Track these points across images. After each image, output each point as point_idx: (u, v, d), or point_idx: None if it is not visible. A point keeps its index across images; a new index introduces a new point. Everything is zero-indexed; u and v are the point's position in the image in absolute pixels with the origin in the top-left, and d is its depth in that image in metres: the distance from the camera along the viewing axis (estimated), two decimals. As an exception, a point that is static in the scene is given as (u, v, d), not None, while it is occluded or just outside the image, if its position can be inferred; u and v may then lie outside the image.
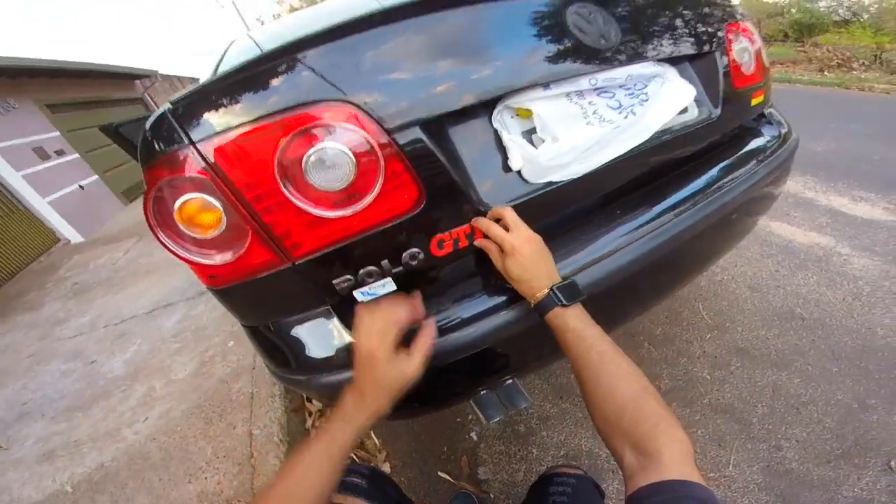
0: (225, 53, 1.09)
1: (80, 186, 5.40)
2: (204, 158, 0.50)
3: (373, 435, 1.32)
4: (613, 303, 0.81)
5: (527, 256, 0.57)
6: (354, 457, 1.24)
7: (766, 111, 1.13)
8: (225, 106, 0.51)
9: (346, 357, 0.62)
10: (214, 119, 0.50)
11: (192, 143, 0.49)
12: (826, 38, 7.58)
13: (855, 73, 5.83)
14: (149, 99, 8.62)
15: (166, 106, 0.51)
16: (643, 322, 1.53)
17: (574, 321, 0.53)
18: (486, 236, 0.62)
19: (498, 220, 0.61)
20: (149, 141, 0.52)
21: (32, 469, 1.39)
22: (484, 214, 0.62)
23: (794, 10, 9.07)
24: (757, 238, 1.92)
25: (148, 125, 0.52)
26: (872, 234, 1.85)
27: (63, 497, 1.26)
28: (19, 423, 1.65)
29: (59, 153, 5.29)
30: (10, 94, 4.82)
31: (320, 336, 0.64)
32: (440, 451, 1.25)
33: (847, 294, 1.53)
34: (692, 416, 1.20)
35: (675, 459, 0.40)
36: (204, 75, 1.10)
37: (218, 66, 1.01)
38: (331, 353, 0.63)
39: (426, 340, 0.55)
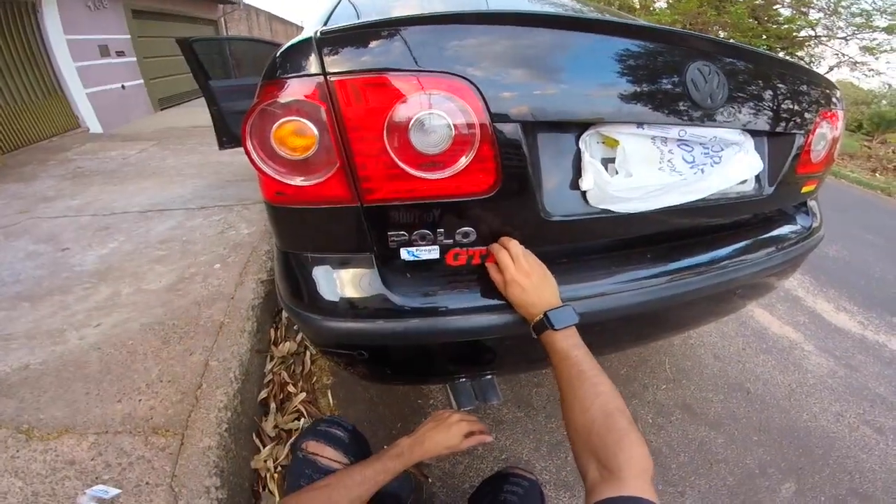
0: (337, 5, 1.03)
1: (122, 86, 5.44)
2: (329, 90, 0.53)
3: (329, 395, 1.33)
4: (609, 334, 0.88)
5: (524, 287, 0.63)
6: (304, 410, 1.24)
7: (809, 202, 1.15)
8: (365, 51, 0.54)
9: (364, 308, 0.67)
10: (352, 58, 0.54)
11: (325, 73, 0.52)
12: None
13: None
14: (223, 24, 8.65)
15: (315, 33, 0.53)
16: (612, 360, 1.64)
17: (561, 343, 0.59)
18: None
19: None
20: (282, 59, 0.54)
21: None
22: (543, 220, 0.67)
23: (884, 102, 8.68)
24: (737, 318, 2.05)
25: (290, 44, 0.55)
26: (839, 341, 2.00)
27: (-40, 395, 1.06)
28: None
29: (120, 54, 5.34)
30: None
31: (348, 280, 0.67)
32: (392, 427, 1.28)
33: (793, 382, 1.69)
34: (623, 450, 1.34)
35: (633, 475, 0.42)
36: (291, 19, 0.99)
37: (329, 17, 0.96)
38: (353, 299, 0.67)
39: (480, 440, 0.73)
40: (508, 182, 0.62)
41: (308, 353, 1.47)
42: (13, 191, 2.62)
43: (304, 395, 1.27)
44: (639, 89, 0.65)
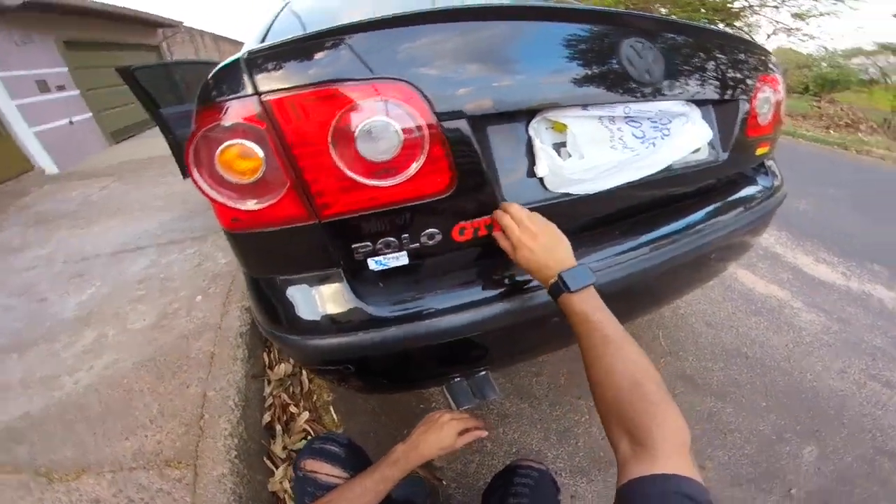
0: (278, 15, 1.06)
1: (71, 122, 5.29)
2: (265, 109, 0.52)
3: (332, 410, 1.33)
4: None
5: (532, 249, 0.60)
6: (309, 429, 1.25)
7: (767, 162, 1.19)
8: (295, 66, 0.54)
9: (341, 323, 0.66)
10: (283, 76, 0.53)
11: (258, 93, 0.52)
12: (844, 97, 7.71)
13: (860, 134, 5.96)
14: (165, 48, 8.48)
15: (243, 54, 0.53)
16: None
17: (580, 305, 0.55)
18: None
19: None
20: (215, 83, 0.54)
21: None
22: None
23: (824, 65, 9.19)
24: (722, 282, 2.07)
25: (218, 67, 0.54)
26: (825, 293, 2.03)
27: (-28, 443, 1.10)
28: None
29: (61, 88, 5.17)
30: (36, 28, 4.79)
31: (322, 298, 0.67)
32: (398, 434, 1.27)
33: (790, 341, 1.70)
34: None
35: (666, 450, 0.39)
36: (235, 38, 1.04)
37: (269, 26, 0.98)
38: (329, 316, 0.66)
39: (475, 437, 0.73)
40: (464, 179, 0.63)
41: (304, 373, 1.46)
42: None
43: (307, 414, 1.28)
44: (578, 72, 0.67)
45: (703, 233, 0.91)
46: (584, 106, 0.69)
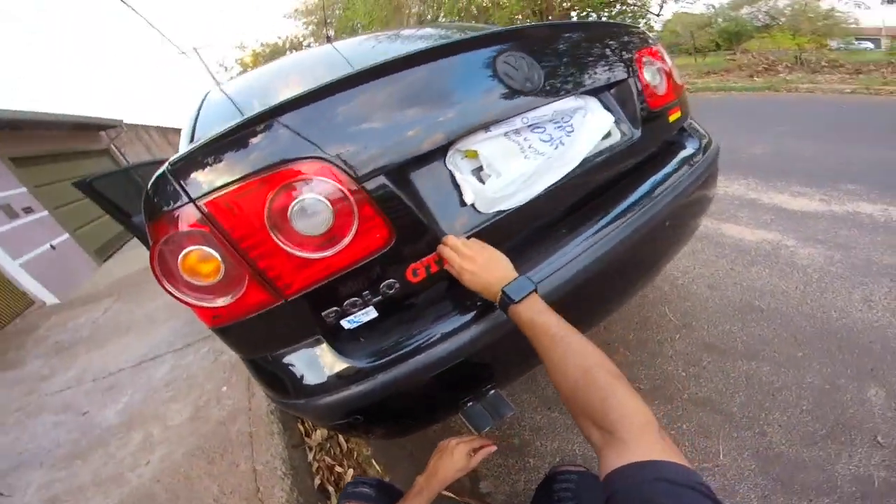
0: (201, 107, 1.20)
1: (52, 246, 5.15)
2: (202, 213, 0.58)
3: (374, 463, 1.35)
4: (576, 309, 0.89)
5: (473, 272, 0.66)
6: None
7: (686, 124, 1.25)
8: (218, 165, 0.60)
9: (336, 381, 0.69)
10: (209, 177, 0.59)
11: (192, 200, 0.58)
12: (752, 45, 8.32)
13: (781, 75, 6.33)
14: (115, 150, 8.22)
15: (166, 166, 0.60)
16: (616, 329, 1.61)
17: (526, 313, 0.60)
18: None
19: None
20: (152, 198, 0.60)
21: None
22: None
23: (720, 20, 10.06)
24: (710, 241, 2.08)
25: (150, 183, 0.60)
26: (813, 224, 2.04)
27: (75, 543, 1.24)
28: (17, 472, 1.64)
29: (28, 210, 4.99)
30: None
31: (315, 363, 0.71)
32: None
33: (798, 283, 1.66)
34: (674, 411, 1.26)
35: (634, 434, 0.39)
36: (181, 126, 1.19)
37: (196, 119, 1.10)
38: (324, 378, 0.70)
39: (486, 454, 0.80)
40: (402, 228, 0.69)
41: (339, 435, 1.49)
42: (9, 378, 2.72)
43: (351, 471, 1.34)
44: (469, 99, 0.75)
45: (651, 203, 0.94)
46: (486, 128, 0.77)
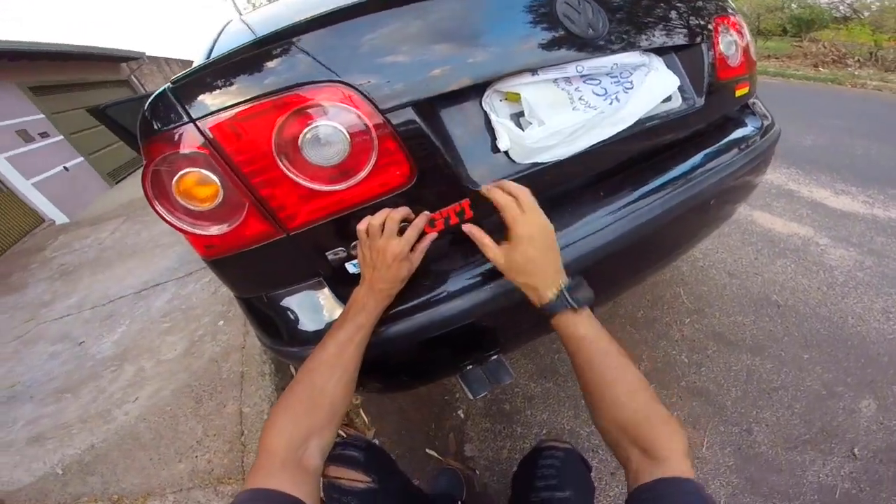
0: (218, 36, 1.09)
1: (65, 168, 5.33)
2: (203, 135, 0.52)
3: (362, 413, 1.34)
4: (600, 278, 0.84)
5: (538, 247, 0.53)
6: (342, 433, 1.24)
7: (751, 103, 1.16)
8: (224, 86, 0.53)
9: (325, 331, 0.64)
10: (214, 98, 0.53)
11: (193, 120, 0.52)
12: (824, 35, 7.58)
13: (849, 69, 5.84)
14: (136, 81, 8.39)
15: (167, 84, 0.53)
16: (626, 305, 1.57)
17: (585, 328, 0.52)
18: (481, 223, 0.62)
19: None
20: (149, 117, 0.54)
21: (23, 452, 1.38)
22: (474, 193, 0.64)
23: (794, 6, 9.07)
24: (739, 227, 1.98)
25: (148, 102, 0.54)
26: (850, 226, 1.92)
27: (53, 479, 1.24)
28: (7, 406, 1.65)
29: (44, 135, 5.20)
30: (-7, 78, 4.75)
31: (313, 308, 0.67)
32: (428, 429, 1.28)
33: (822, 283, 1.59)
34: (668, 398, 1.25)
35: (679, 459, 0.43)
36: (196, 58, 1.10)
37: (211, 49, 1.01)
38: (321, 325, 0.66)
39: (425, 240, 0.63)
40: (425, 167, 0.61)
41: None
42: (11, 302, 2.76)
43: None
44: (518, 38, 0.65)
45: (698, 179, 0.87)
46: (534, 71, 0.67)
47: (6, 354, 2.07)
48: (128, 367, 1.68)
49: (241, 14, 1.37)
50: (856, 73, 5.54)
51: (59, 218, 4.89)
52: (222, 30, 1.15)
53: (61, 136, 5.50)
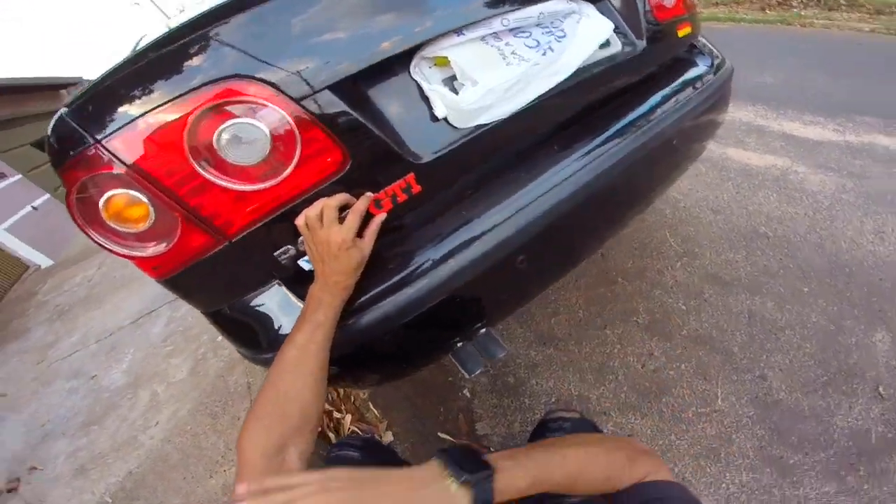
0: (136, 48, 1.06)
1: (33, 207, 5.15)
2: (113, 154, 0.49)
3: (371, 407, 1.33)
4: (568, 236, 0.82)
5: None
6: (357, 430, 1.24)
7: (699, 43, 1.14)
8: (121, 100, 0.50)
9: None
10: (113, 114, 0.49)
11: (97, 141, 0.49)
12: None
13: (795, 10, 5.99)
14: None
15: (62, 109, 0.50)
16: (614, 256, 1.53)
17: (524, 478, 0.39)
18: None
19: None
20: (54, 145, 0.51)
21: (72, 485, 1.44)
22: (419, 166, 0.61)
23: None
24: (714, 165, 1.96)
25: (50, 130, 0.51)
26: (826, 152, 1.91)
27: (106, 508, 1.29)
28: (45, 444, 1.70)
29: (1, 177, 4.97)
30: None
31: (276, 311, 0.64)
32: (437, 413, 1.24)
33: (808, 209, 1.57)
34: (672, 350, 1.20)
35: (664, 474, 0.44)
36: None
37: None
38: (283, 326, 0.63)
39: (373, 223, 0.59)
40: (359, 148, 0.58)
41: None
42: (17, 348, 2.80)
43: (349, 416, 1.32)
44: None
45: (657, 120, 0.85)
46: (458, 32, 0.64)
47: (28, 396, 2.12)
48: (142, 394, 1.73)
49: (168, 19, 1.33)
50: (802, 13, 5.69)
51: (44, 262, 4.73)
52: (139, 41, 1.10)
53: (20, 175, 5.26)
